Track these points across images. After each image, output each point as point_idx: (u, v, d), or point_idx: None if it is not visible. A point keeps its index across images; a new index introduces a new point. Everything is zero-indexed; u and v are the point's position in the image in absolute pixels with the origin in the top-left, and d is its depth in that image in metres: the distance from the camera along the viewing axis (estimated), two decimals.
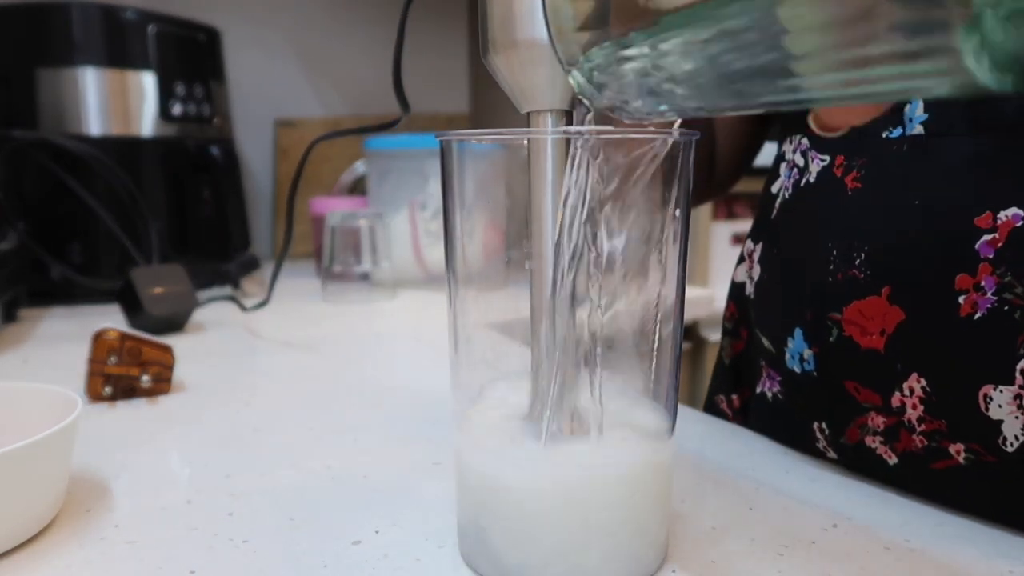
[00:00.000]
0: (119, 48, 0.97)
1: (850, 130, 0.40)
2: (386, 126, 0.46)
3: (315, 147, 0.58)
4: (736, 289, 0.55)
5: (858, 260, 0.38)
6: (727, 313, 0.56)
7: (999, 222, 0.34)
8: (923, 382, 0.37)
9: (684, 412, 0.53)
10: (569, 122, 0.32)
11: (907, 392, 0.37)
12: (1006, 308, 0.34)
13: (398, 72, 0.41)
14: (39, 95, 0.94)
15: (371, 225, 1.00)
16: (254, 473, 0.43)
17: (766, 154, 1.08)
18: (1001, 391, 0.34)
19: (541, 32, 0.29)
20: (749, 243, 0.51)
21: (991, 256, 0.34)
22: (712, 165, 0.61)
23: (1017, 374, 0.34)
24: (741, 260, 0.54)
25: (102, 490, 0.41)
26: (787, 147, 0.47)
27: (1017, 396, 0.34)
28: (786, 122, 0.47)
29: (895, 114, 0.38)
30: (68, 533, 0.36)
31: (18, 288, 0.82)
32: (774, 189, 0.48)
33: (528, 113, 0.32)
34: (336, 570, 0.33)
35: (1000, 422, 0.35)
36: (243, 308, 0.82)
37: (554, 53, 0.29)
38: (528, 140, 0.30)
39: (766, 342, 0.46)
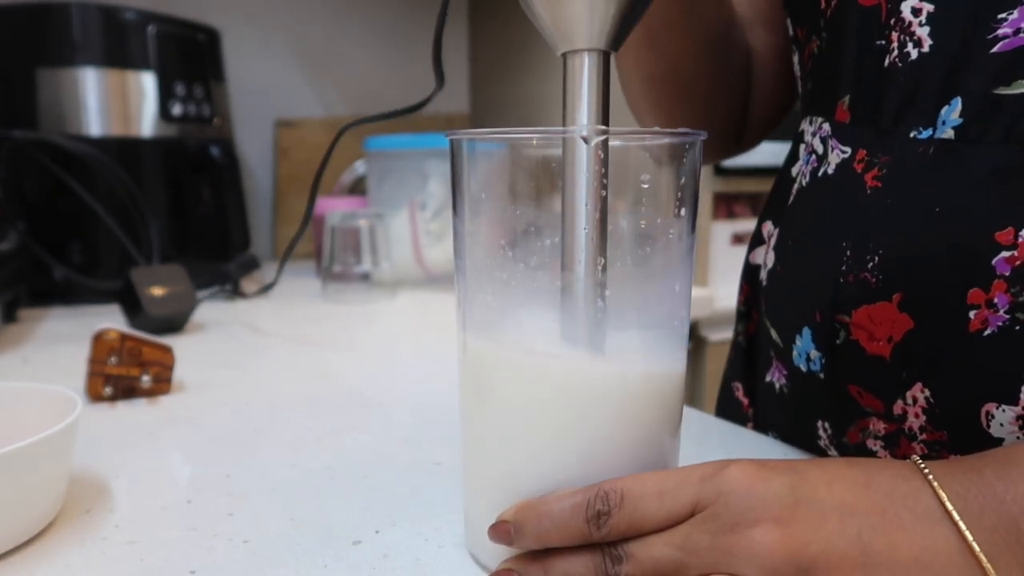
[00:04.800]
0: (119, 48, 0.97)
1: (875, 123, 0.39)
2: (419, 106, 0.46)
3: (315, 145, 0.58)
4: (750, 272, 0.54)
5: (871, 263, 0.37)
6: (741, 296, 0.55)
7: (1020, 240, 0.33)
8: (926, 393, 0.36)
9: (686, 412, 0.53)
10: (607, 64, 0.30)
11: (910, 401, 0.37)
12: (1017, 328, 0.33)
13: (439, 43, 0.41)
14: (39, 95, 0.94)
15: (371, 225, 1.00)
16: (254, 473, 0.43)
17: (767, 154, 1.08)
18: (1004, 410, 0.34)
19: None
20: (769, 225, 0.49)
21: (1007, 274, 0.33)
22: (745, 122, 0.60)
23: (1022, 395, 0.33)
24: (758, 241, 0.52)
25: (102, 490, 0.41)
26: (806, 127, 0.46)
27: (1020, 417, 0.33)
28: (809, 98, 0.46)
29: (928, 112, 0.36)
30: (68, 533, 0.36)
31: (18, 288, 0.82)
32: (793, 172, 0.47)
33: (564, 55, 0.30)
34: (336, 570, 0.33)
35: (1001, 440, 0.34)
36: (244, 295, 0.81)
37: None
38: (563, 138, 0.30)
39: (774, 334, 0.45)
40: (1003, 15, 0.33)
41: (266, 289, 0.81)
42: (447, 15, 0.40)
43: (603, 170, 0.29)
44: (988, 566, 0.26)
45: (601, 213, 0.29)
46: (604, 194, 0.29)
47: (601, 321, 0.30)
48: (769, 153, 1.14)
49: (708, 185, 1.18)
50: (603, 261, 0.30)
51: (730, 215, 1.23)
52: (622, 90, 0.60)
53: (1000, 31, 0.33)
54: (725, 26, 0.54)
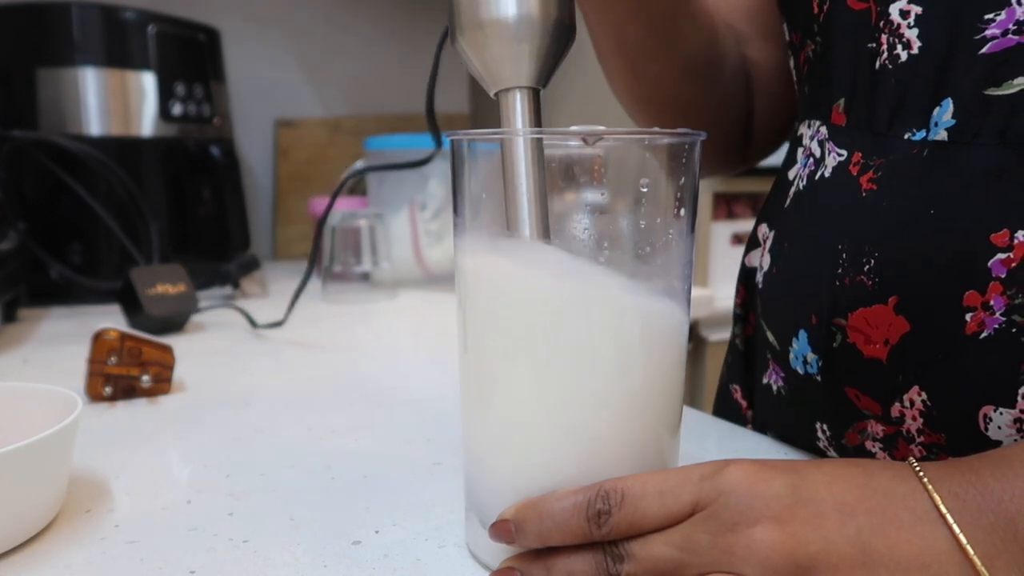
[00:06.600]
0: (119, 48, 0.97)
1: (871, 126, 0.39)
2: (422, 163, 0.47)
3: (315, 145, 0.58)
4: (747, 274, 0.54)
5: (867, 266, 0.37)
6: (737, 299, 0.55)
7: (1016, 241, 0.32)
8: (923, 396, 0.36)
9: (685, 412, 0.53)
10: (537, 100, 0.33)
11: (907, 404, 0.37)
12: (1013, 330, 0.33)
13: (431, 104, 0.42)
14: (39, 95, 0.94)
15: (371, 225, 1.00)
16: (254, 473, 0.43)
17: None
18: (1001, 413, 0.34)
19: (505, 10, 0.31)
20: (764, 228, 0.49)
21: (1003, 276, 0.33)
22: (750, 133, 0.60)
23: (1019, 398, 0.33)
24: (754, 244, 0.52)
25: (102, 490, 0.41)
26: (804, 130, 0.46)
27: (1017, 420, 0.33)
28: (806, 102, 0.46)
29: (920, 114, 0.36)
30: (68, 533, 0.36)
31: (18, 288, 0.82)
32: (790, 175, 0.47)
33: (497, 94, 0.33)
34: (336, 570, 0.33)
35: (999, 443, 0.34)
36: (254, 324, 0.80)
37: (516, 29, 0.31)
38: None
39: (771, 337, 0.45)
40: (991, 16, 0.33)
41: (276, 325, 0.79)
42: (436, 77, 0.41)
43: (539, 157, 0.31)
44: (982, 569, 0.26)
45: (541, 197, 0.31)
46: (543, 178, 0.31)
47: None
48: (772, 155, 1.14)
49: (708, 185, 1.18)
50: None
51: (730, 215, 1.23)
52: (624, 111, 0.61)
53: (988, 32, 0.33)
54: (707, 46, 0.54)
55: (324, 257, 1.01)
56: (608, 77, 0.57)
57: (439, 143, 0.44)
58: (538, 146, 0.31)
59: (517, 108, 0.33)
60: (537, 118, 0.33)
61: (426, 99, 0.42)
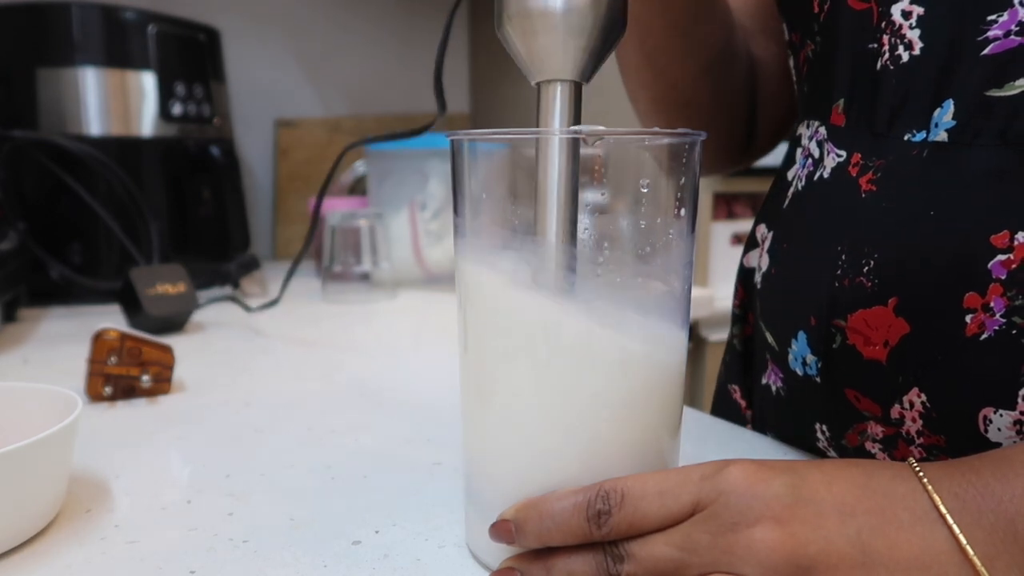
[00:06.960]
0: (119, 48, 0.97)
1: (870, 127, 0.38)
2: (422, 130, 0.47)
3: (315, 145, 0.58)
4: (745, 274, 0.54)
5: (867, 268, 0.37)
6: (736, 299, 0.55)
7: (1016, 243, 0.32)
8: (923, 397, 0.36)
9: (685, 412, 0.53)
10: (578, 94, 0.32)
11: (907, 405, 0.37)
12: (1014, 332, 0.33)
13: (439, 72, 0.42)
14: (39, 95, 0.94)
15: (371, 225, 1.00)
16: (254, 473, 0.43)
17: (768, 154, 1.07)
18: (1001, 415, 0.34)
19: (555, 1, 0.30)
20: (763, 228, 0.49)
21: (1003, 277, 0.33)
22: (754, 131, 0.60)
23: (1019, 399, 0.33)
24: (752, 244, 0.52)
25: (102, 490, 0.41)
26: (803, 130, 0.45)
27: (1017, 421, 0.33)
28: (806, 102, 0.46)
29: (921, 115, 0.36)
30: (68, 533, 0.36)
31: (18, 288, 0.82)
32: (789, 175, 0.47)
33: (538, 84, 0.32)
34: (336, 570, 0.33)
35: (999, 445, 0.34)
36: (248, 309, 0.81)
37: (565, 22, 0.30)
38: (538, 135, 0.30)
39: (770, 338, 0.45)
40: (993, 17, 0.33)
41: (270, 305, 0.81)
42: (447, 44, 0.40)
43: (575, 165, 0.30)
44: (982, 569, 0.26)
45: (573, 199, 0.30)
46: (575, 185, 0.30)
47: (571, 267, 0.30)
48: (769, 153, 1.14)
49: (708, 185, 1.18)
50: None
51: (730, 215, 1.23)
52: (633, 109, 0.60)
53: (991, 33, 0.33)
54: (725, 41, 0.54)
55: (324, 257, 1.01)
56: (624, 72, 0.57)
57: (443, 108, 0.43)
58: (573, 146, 0.30)
59: (557, 101, 0.32)
60: (577, 113, 0.32)
61: (435, 64, 0.42)
